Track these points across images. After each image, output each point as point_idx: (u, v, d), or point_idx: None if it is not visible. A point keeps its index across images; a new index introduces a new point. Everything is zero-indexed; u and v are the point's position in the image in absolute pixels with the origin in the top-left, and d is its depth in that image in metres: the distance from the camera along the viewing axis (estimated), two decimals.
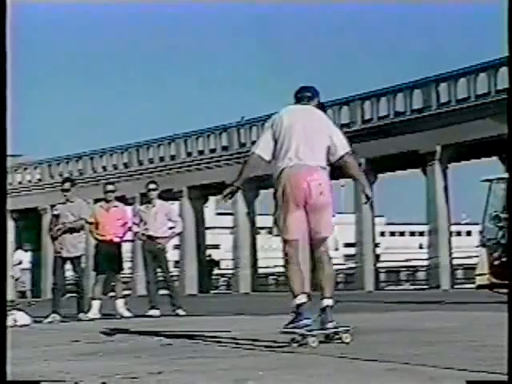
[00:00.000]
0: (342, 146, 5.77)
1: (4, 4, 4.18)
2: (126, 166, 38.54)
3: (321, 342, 5.47)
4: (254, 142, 30.10)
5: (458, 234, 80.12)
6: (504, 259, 13.60)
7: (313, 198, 5.59)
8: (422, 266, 31.90)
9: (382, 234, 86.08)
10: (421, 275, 35.01)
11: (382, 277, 35.02)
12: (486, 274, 13.70)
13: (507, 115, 4.91)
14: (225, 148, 35.67)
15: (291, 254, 5.63)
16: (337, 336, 5.54)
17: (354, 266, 33.00)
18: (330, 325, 5.53)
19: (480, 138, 27.02)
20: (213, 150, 36.03)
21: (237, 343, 5.90)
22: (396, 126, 29.57)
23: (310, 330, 5.41)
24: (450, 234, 30.24)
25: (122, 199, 18.94)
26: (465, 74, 28.06)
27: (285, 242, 5.65)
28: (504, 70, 26.68)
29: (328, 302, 5.60)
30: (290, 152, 5.61)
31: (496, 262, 13.70)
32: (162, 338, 6.64)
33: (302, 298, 5.53)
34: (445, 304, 14.17)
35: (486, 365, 4.18)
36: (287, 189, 5.56)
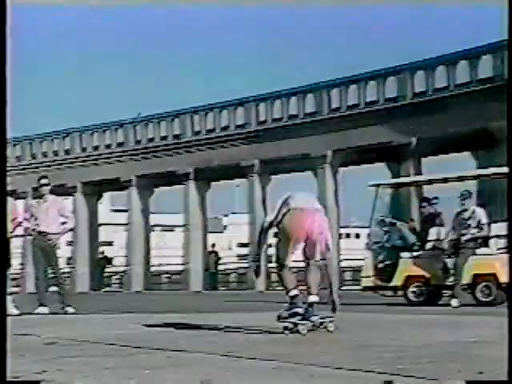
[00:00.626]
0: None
1: (4, 4, 4.26)
2: (18, 159, 37.49)
3: (309, 330, 6.27)
4: (150, 139, 29.81)
5: (348, 236, 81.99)
6: (388, 262, 14.07)
7: (314, 236, 6.60)
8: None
9: (275, 234, 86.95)
10: None
11: (274, 277, 35.36)
12: (371, 276, 14.10)
13: (507, 115, 5.04)
14: (120, 144, 35.28)
15: (286, 272, 6.71)
16: (322, 326, 6.47)
17: (246, 266, 33.26)
18: (314, 317, 6.46)
19: (368, 144, 27.72)
20: (108, 146, 35.56)
21: (125, 342, 5.89)
22: (289, 128, 29.98)
23: (301, 319, 6.37)
24: (340, 236, 30.91)
25: (13, 193, 18.46)
26: (355, 81, 28.69)
27: (283, 265, 6.71)
28: (392, 79, 27.49)
29: (313, 298, 6.57)
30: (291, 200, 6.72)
31: (381, 265, 14.13)
32: (48, 336, 6.54)
33: (294, 291, 6.57)
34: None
35: (367, 363, 4.33)
36: (289, 229, 6.62)
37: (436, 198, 14.78)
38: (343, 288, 28.73)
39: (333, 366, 4.28)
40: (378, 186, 14.96)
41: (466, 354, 4.82)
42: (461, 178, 14.46)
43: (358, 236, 74.69)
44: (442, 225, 14.00)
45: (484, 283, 12.92)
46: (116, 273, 41.66)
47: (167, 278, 40.60)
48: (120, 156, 34.94)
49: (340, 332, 6.64)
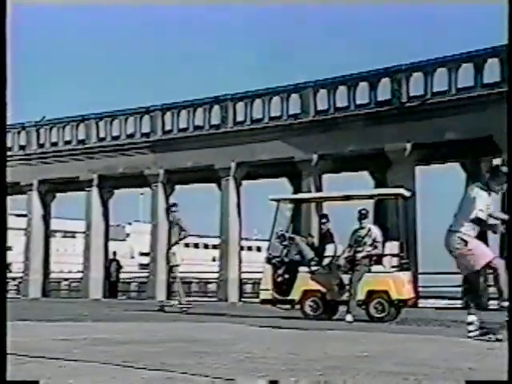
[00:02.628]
0: None
1: (4, 4, 4.28)
2: None
3: None
4: (53, 144, 29.18)
5: (249, 249, 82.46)
6: (286, 276, 14.24)
7: None
8: (214, 279, 32.46)
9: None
10: (212, 287, 35.61)
11: (175, 287, 35.11)
12: (269, 289, 14.22)
13: (507, 115, 5.08)
14: (22, 147, 34.44)
15: None
16: None
17: (147, 275, 32.97)
18: None
19: (271, 159, 27.97)
20: (10, 149, 34.64)
21: (17, 351, 5.76)
22: (194, 139, 29.94)
23: None
24: (242, 248, 31.08)
25: None
26: (260, 95, 28.94)
27: None
28: (296, 96, 27.89)
29: None
30: None
31: (279, 279, 14.27)
32: None
33: None
34: (230, 316, 14.58)
35: (256, 376, 4.39)
36: None
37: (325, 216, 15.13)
38: (243, 300, 28.91)
39: (222, 377, 4.31)
40: (278, 200, 15.10)
41: (355, 368, 4.95)
42: (358, 197, 14.83)
43: (259, 249, 75.24)
44: (334, 242, 14.31)
45: (377, 300, 13.26)
46: (13, 279, 40.52)
47: (66, 285, 39.80)
48: (21, 159, 34.10)
49: (234, 344, 6.70)
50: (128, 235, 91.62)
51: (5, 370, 3.74)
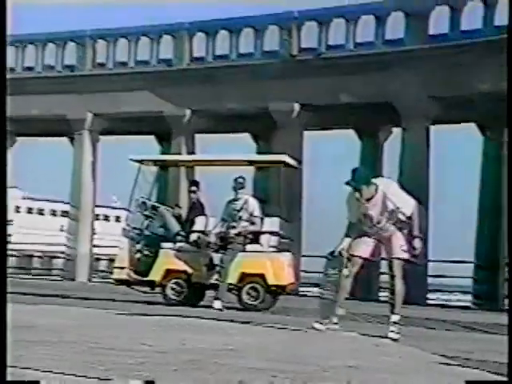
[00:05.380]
0: None
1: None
2: None
3: None
4: None
5: (106, 218, 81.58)
6: (146, 252, 14.15)
7: None
8: (61, 253, 32.02)
9: (18, 209, 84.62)
10: (58, 263, 35.16)
11: (12, 262, 34.51)
12: (125, 267, 14.07)
13: (507, 115, 5.20)
14: None
15: None
16: None
17: None
18: None
19: (136, 112, 27.62)
20: None
21: None
22: (42, 81, 29.04)
23: None
24: (96, 217, 30.78)
25: None
26: (125, 34, 28.29)
27: None
28: (169, 39, 27.53)
29: None
30: None
31: (138, 256, 14.14)
32: None
33: None
34: (77, 299, 14.48)
35: (101, 370, 4.42)
36: None
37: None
38: (95, 280, 28.70)
39: (57, 371, 4.30)
40: (140, 161, 14.83)
41: (217, 363, 5.06)
42: (235, 162, 14.81)
43: (118, 219, 74.41)
44: (204, 214, 14.25)
45: (251, 284, 13.43)
46: None
47: None
48: None
49: (76, 332, 6.69)
50: None
51: (5, 370, 4.02)
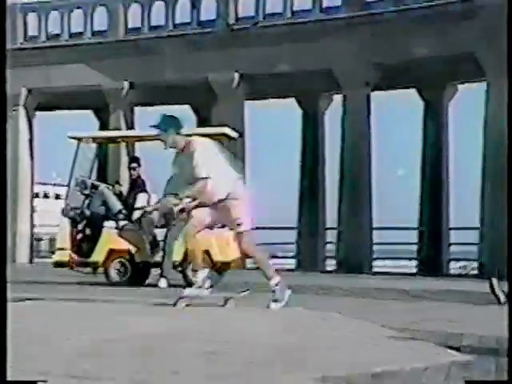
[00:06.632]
0: None
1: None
2: None
3: None
4: None
5: (46, 196, 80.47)
6: (88, 232, 14.01)
7: None
8: None
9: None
10: None
11: None
12: (66, 249, 13.92)
13: (507, 114, 5.17)
14: None
15: None
16: None
17: None
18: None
19: (72, 86, 27.23)
20: None
21: None
22: None
23: None
24: (36, 195, 30.42)
25: None
26: (57, 6, 27.92)
27: None
28: (102, 10, 27.19)
29: None
30: None
31: (79, 236, 14.00)
32: None
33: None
34: (14, 283, 14.27)
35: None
36: None
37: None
38: (36, 261, 28.36)
39: None
40: (79, 139, 14.68)
41: (146, 347, 5.02)
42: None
43: (58, 197, 73.39)
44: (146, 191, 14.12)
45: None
46: None
47: None
48: None
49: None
50: None
51: (5, 369, 4.06)
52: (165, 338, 5.74)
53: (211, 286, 8.41)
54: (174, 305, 8.11)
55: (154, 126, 8.30)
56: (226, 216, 8.25)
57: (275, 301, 8.09)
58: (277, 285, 8.16)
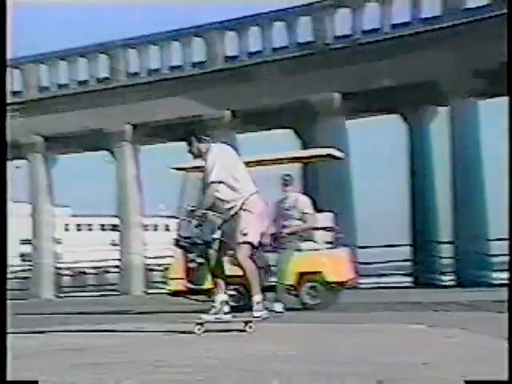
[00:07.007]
0: None
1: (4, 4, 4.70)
2: None
3: None
4: None
5: (156, 228, 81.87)
6: (200, 261, 14.06)
7: None
8: (115, 267, 32.23)
9: (66, 227, 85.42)
10: (112, 278, 35.36)
11: (66, 281, 34.83)
12: (180, 278, 14.07)
13: (508, 114, 5.18)
14: None
15: None
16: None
17: (29, 268, 32.47)
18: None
19: (174, 118, 27.58)
20: None
21: None
22: (77, 97, 29.28)
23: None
24: (145, 228, 30.89)
25: None
26: (155, 41, 28.50)
27: None
28: (200, 41, 27.56)
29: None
30: None
31: (191, 265, 14.09)
32: None
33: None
34: (132, 314, 14.48)
35: None
36: None
37: None
38: (151, 291, 28.73)
39: None
40: (184, 169, 14.86)
41: (278, 371, 4.94)
42: (280, 161, 14.70)
43: (168, 228, 74.43)
44: None
45: (310, 283, 13.29)
46: None
47: None
48: None
49: (141, 350, 6.62)
50: None
51: (5, 369, 4.16)
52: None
53: (229, 312, 8.34)
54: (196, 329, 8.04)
55: (180, 140, 8.50)
56: (234, 225, 8.25)
57: (254, 316, 8.06)
58: (258, 303, 8.12)
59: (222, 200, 8.25)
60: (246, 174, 8.28)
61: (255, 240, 8.19)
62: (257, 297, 8.13)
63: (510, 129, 5.32)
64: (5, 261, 4.82)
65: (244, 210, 8.13)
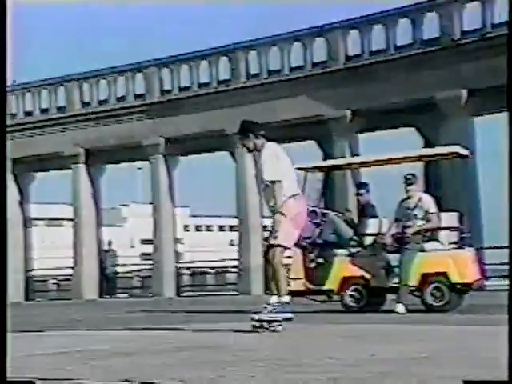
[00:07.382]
0: None
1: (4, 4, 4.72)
2: None
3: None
4: (27, 113, 29.28)
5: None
6: (320, 261, 14.09)
7: None
8: (233, 267, 32.60)
9: (186, 228, 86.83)
10: (231, 278, 35.74)
11: (186, 280, 35.43)
12: (300, 278, 14.09)
13: (508, 113, 5.11)
14: None
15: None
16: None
17: (150, 267, 33.11)
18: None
19: (294, 118, 27.80)
20: None
21: None
22: (199, 99, 29.84)
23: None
24: (265, 228, 31.00)
25: None
26: (276, 42, 28.78)
27: None
28: (321, 41, 27.59)
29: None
30: None
31: (312, 265, 14.13)
32: None
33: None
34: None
35: None
36: None
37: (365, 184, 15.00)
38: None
39: None
40: (305, 169, 14.86)
41: (413, 374, 4.86)
42: (403, 160, 14.61)
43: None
44: (376, 216, 14.16)
45: (434, 284, 13.12)
46: None
47: (55, 284, 40.03)
48: None
49: (262, 349, 6.62)
50: (125, 220, 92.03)
51: (5, 369, 4.13)
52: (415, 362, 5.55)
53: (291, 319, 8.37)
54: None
55: (237, 133, 8.69)
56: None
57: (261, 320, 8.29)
58: (276, 303, 8.27)
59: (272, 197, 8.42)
60: (291, 174, 8.55)
61: (286, 243, 8.43)
62: (277, 298, 8.32)
63: (509, 132, 5.13)
64: (5, 261, 4.79)
65: (279, 212, 8.29)
